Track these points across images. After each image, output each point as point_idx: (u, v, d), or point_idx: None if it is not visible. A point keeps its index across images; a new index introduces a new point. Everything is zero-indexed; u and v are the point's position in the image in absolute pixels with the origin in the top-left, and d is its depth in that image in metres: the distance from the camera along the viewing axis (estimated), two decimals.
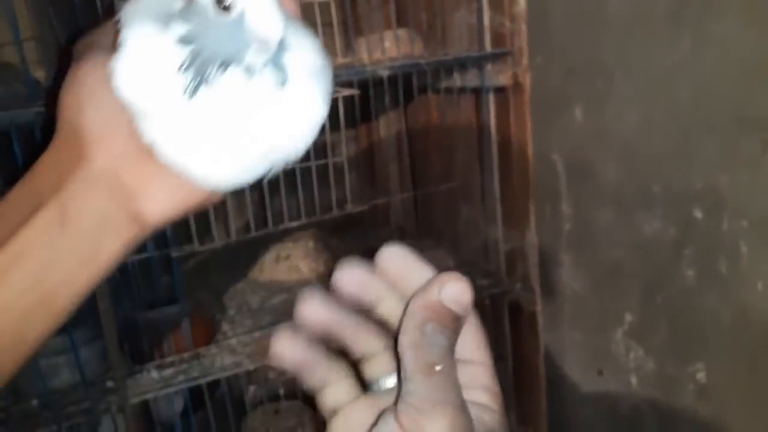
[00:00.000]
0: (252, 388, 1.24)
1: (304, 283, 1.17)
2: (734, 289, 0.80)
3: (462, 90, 1.02)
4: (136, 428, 0.98)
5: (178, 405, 1.11)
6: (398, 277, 0.28)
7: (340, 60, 0.94)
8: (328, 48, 0.39)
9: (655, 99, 0.86)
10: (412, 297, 0.26)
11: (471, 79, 1.00)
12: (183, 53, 0.29)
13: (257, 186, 0.94)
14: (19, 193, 0.33)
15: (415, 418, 0.24)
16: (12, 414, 0.95)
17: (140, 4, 0.31)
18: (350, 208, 0.91)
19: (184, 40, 0.29)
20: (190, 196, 0.34)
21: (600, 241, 1.00)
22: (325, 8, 0.95)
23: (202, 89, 0.29)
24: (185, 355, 0.99)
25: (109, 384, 0.95)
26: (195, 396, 1.06)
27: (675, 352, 0.91)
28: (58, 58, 0.81)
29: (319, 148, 0.97)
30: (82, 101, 0.32)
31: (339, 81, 0.87)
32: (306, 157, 0.90)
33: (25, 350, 0.32)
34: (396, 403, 0.25)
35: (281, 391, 1.19)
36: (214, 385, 1.10)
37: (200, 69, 0.29)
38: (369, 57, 0.92)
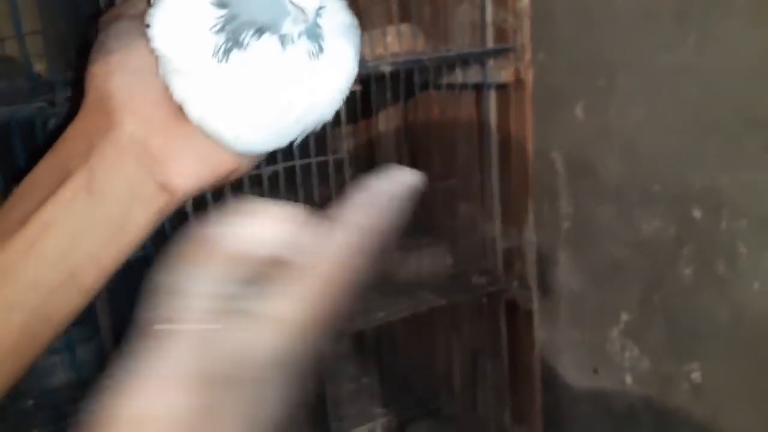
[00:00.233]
0: None
1: None
2: (731, 288, 0.80)
3: (463, 86, 1.02)
4: None
5: None
6: None
7: None
8: None
9: (658, 97, 0.86)
10: None
11: (473, 75, 1.00)
12: (219, 14, 0.29)
13: (257, 182, 0.93)
14: (47, 164, 0.32)
15: None
16: (7, 413, 0.93)
17: None
18: None
19: (221, 3, 0.29)
20: (220, 162, 0.33)
21: (599, 239, 1.00)
22: None
23: (236, 53, 0.29)
24: None
25: None
26: None
27: (670, 351, 0.91)
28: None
29: (319, 143, 0.96)
30: (112, 67, 0.32)
31: None
32: (306, 153, 0.89)
33: (50, 333, 0.31)
34: None
35: None
36: None
37: (235, 33, 0.29)
38: (371, 52, 0.92)
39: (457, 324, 1.14)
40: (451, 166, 1.09)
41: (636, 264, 0.94)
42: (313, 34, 0.30)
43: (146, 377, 0.21)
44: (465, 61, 0.96)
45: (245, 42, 0.29)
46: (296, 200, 0.93)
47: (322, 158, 0.93)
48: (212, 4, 0.30)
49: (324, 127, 0.38)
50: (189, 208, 0.82)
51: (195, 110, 0.31)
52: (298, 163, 0.90)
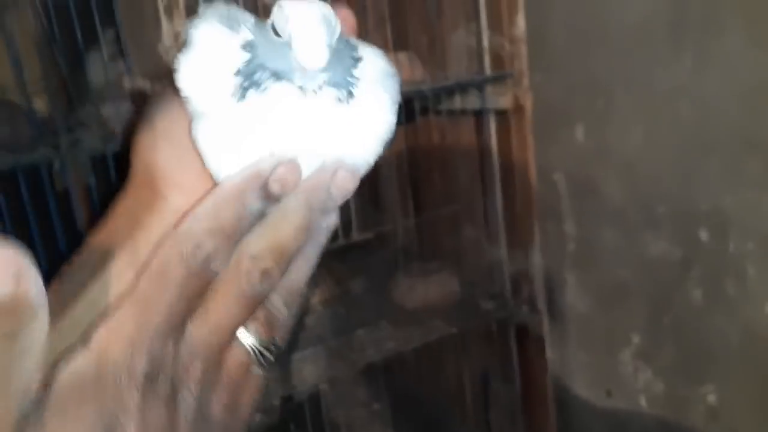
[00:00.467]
0: None
1: (306, 309, 1.16)
2: (742, 310, 0.79)
3: (463, 112, 1.02)
4: None
5: None
6: None
7: None
8: None
9: (657, 118, 0.85)
10: None
11: (472, 101, 1.00)
12: (243, 57, 0.30)
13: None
14: (94, 240, 0.32)
15: None
16: None
17: (212, 12, 0.32)
18: (355, 236, 0.90)
19: (246, 47, 0.30)
20: None
21: (605, 260, 0.99)
22: None
23: (253, 93, 0.29)
24: None
25: None
26: None
27: (684, 373, 0.90)
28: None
29: None
30: (156, 138, 0.32)
31: None
32: None
33: None
34: None
35: None
36: None
37: (254, 75, 0.29)
38: None
39: (467, 349, 1.13)
40: (453, 191, 1.09)
41: (643, 285, 0.93)
42: (341, 81, 0.30)
43: None
44: (463, 88, 0.97)
45: (263, 84, 0.29)
46: None
47: None
48: (240, 47, 0.30)
49: None
50: None
51: (213, 159, 0.30)
52: None
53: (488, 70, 0.97)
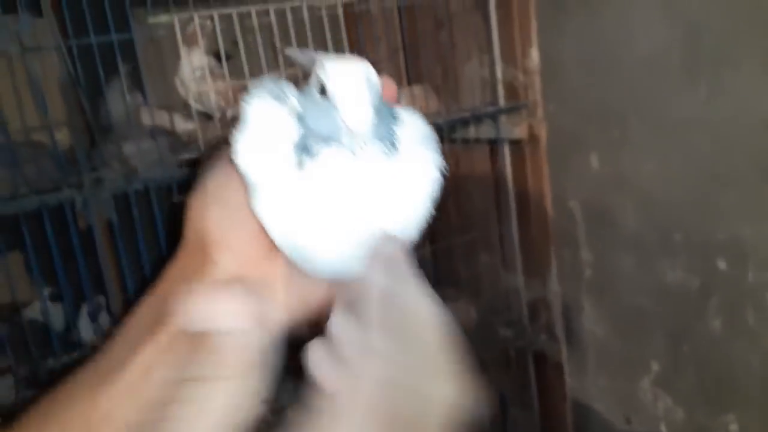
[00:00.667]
0: None
1: None
2: (763, 339, 0.79)
3: (477, 141, 1.03)
4: None
5: None
6: None
7: None
8: None
9: (672, 148, 0.86)
10: None
11: (486, 130, 1.01)
12: (294, 128, 0.30)
13: None
14: (147, 303, 0.33)
15: None
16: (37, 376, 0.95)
17: (261, 87, 0.33)
18: None
19: (295, 116, 0.31)
20: (312, 294, 0.33)
21: (622, 287, 0.99)
22: None
23: (308, 161, 0.30)
24: None
25: None
26: None
27: (705, 401, 0.89)
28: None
29: None
30: (208, 204, 0.32)
31: None
32: None
33: None
34: None
35: None
36: None
37: (306, 143, 0.30)
38: None
39: (485, 376, 1.13)
40: (468, 219, 1.09)
41: (661, 313, 0.93)
42: (386, 137, 0.30)
43: None
44: (479, 119, 0.98)
45: (315, 150, 0.30)
46: None
47: None
48: (291, 116, 0.31)
49: None
50: None
51: (276, 227, 0.31)
52: None
53: (502, 100, 0.98)
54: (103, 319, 1.10)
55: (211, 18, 0.96)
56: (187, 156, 0.96)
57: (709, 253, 0.83)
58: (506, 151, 1.01)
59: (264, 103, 0.32)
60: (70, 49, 0.87)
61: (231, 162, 0.32)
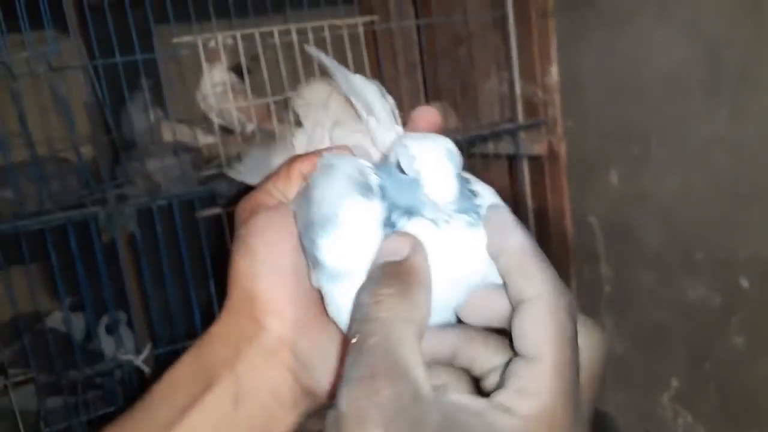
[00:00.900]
0: None
1: None
2: None
3: (496, 156, 1.03)
4: None
5: None
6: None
7: None
8: None
9: (693, 165, 0.86)
10: None
11: (505, 146, 1.01)
12: (382, 208, 0.29)
13: None
14: (189, 364, 0.32)
15: None
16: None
17: (336, 170, 0.31)
18: None
19: (382, 196, 0.30)
20: None
21: (642, 303, 0.99)
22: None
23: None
24: None
25: None
26: None
27: (726, 418, 0.89)
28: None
29: None
30: (257, 267, 0.31)
31: None
32: None
33: None
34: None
35: None
36: None
37: (392, 218, 0.29)
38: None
39: None
40: None
41: (682, 330, 0.93)
42: (468, 207, 0.29)
43: None
44: (497, 135, 0.98)
45: (399, 224, 0.28)
46: None
47: None
48: (379, 200, 0.29)
49: None
50: None
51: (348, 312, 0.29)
52: None
53: (521, 117, 0.99)
54: (124, 333, 1.11)
55: (233, 36, 0.97)
56: (208, 173, 0.97)
57: (732, 271, 0.83)
58: (525, 167, 1.01)
59: (352, 200, 0.30)
60: (95, 69, 0.89)
61: (275, 216, 0.32)
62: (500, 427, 0.23)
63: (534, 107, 0.97)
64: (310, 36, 0.92)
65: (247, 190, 0.36)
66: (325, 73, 0.40)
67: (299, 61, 0.96)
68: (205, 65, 1.06)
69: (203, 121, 1.22)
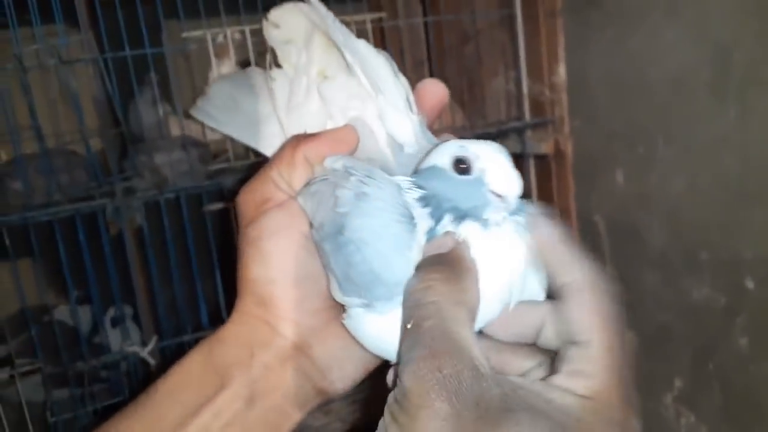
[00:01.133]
0: None
1: None
2: None
3: None
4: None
5: None
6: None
7: None
8: None
9: (699, 166, 0.86)
10: None
11: (511, 145, 1.01)
12: (427, 226, 0.28)
13: None
14: (199, 363, 0.32)
15: None
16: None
17: (371, 215, 0.29)
18: None
19: (428, 205, 0.28)
20: (376, 363, 0.33)
21: (646, 303, 0.99)
22: None
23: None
24: None
25: None
26: None
27: (729, 419, 0.89)
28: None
29: None
30: (273, 274, 0.31)
31: None
32: None
33: None
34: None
35: None
36: None
37: (438, 220, 0.28)
38: None
39: None
40: None
41: (686, 330, 0.93)
42: (519, 210, 0.29)
43: None
44: (504, 134, 0.98)
45: (447, 228, 0.27)
46: None
47: None
48: (416, 200, 0.28)
49: None
50: None
51: (390, 349, 0.28)
52: None
53: (528, 115, 0.99)
54: (130, 326, 1.12)
55: (242, 31, 0.98)
56: (216, 167, 0.97)
57: (737, 272, 0.83)
58: (531, 165, 1.01)
59: (400, 258, 0.28)
60: (105, 62, 0.90)
61: (285, 215, 0.31)
62: (560, 405, 0.24)
63: (541, 106, 0.98)
64: None
65: (248, 177, 0.35)
66: None
67: None
68: (213, 60, 1.06)
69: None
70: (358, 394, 1.00)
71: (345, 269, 0.29)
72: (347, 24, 0.35)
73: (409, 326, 0.25)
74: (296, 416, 0.32)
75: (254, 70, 0.40)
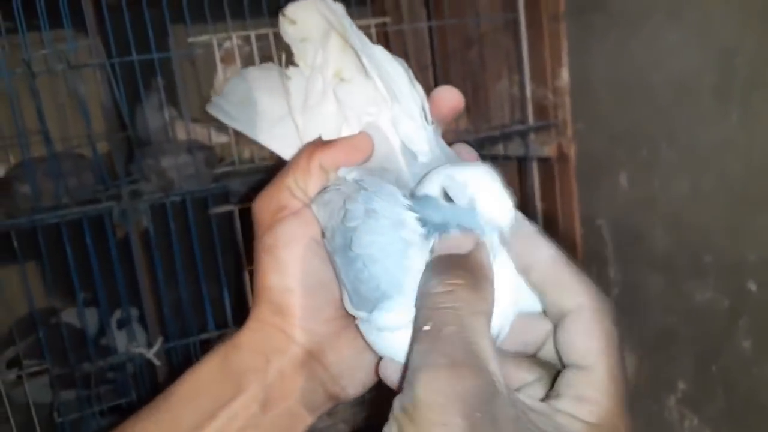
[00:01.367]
0: None
1: None
2: None
3: (506, 158, 1.04)
4: None
5: None
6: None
7: None
8: None
9: (703, 170, 0.86)
10: None
11: (515, 148, 1.02)
12: (423, 237, 0.28)
13: None
14: (215, 369, 0.33)
15: None
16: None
17: (379, 231, 0.29)
18: None
19: (425, 223, 0.28)
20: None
21: (649, 307, 0.99)
22: None
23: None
24: None
25: None
26: None
27: (732, 421, 0.89)
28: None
29: None
30: (289, 283, 0.31)
31: None
32: None
33: None
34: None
35: None
36: None
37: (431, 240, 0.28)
38: None
39: None
40: None
41: (689, 334, 0.93)
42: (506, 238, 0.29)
43: None
44: (508, 137, 0.99)
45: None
46: None
47: None
48: (417, 220, 0.28)
49: None
50: None
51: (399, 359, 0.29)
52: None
53: (531, 119, 0.99)
54: (136, 328, 1.13)
55: (248, 38, 0.98)
56: (221, 170, 0.98)
57: (740, 275, 0.83)
58: (535, 169, 1.01)
59: (410, 274, 0.28)
60: (112, 67, 0.91)
61: (301, 224, 0.31)
62: (569, 430, 0.24)
63: (544, 109, 0.98)
64: None
65: (261, 185, 0.35)
66: None
67: None
68: (219, 65, 1.08)
69: (217, 121, 1.24)
70: (362, 395, 1.00)
71: (354, 284, 0.29)
72: None
73: (426, 328, 0.24)
74: (308, 420, 0.33)
75: (271, 66, 0.39)
